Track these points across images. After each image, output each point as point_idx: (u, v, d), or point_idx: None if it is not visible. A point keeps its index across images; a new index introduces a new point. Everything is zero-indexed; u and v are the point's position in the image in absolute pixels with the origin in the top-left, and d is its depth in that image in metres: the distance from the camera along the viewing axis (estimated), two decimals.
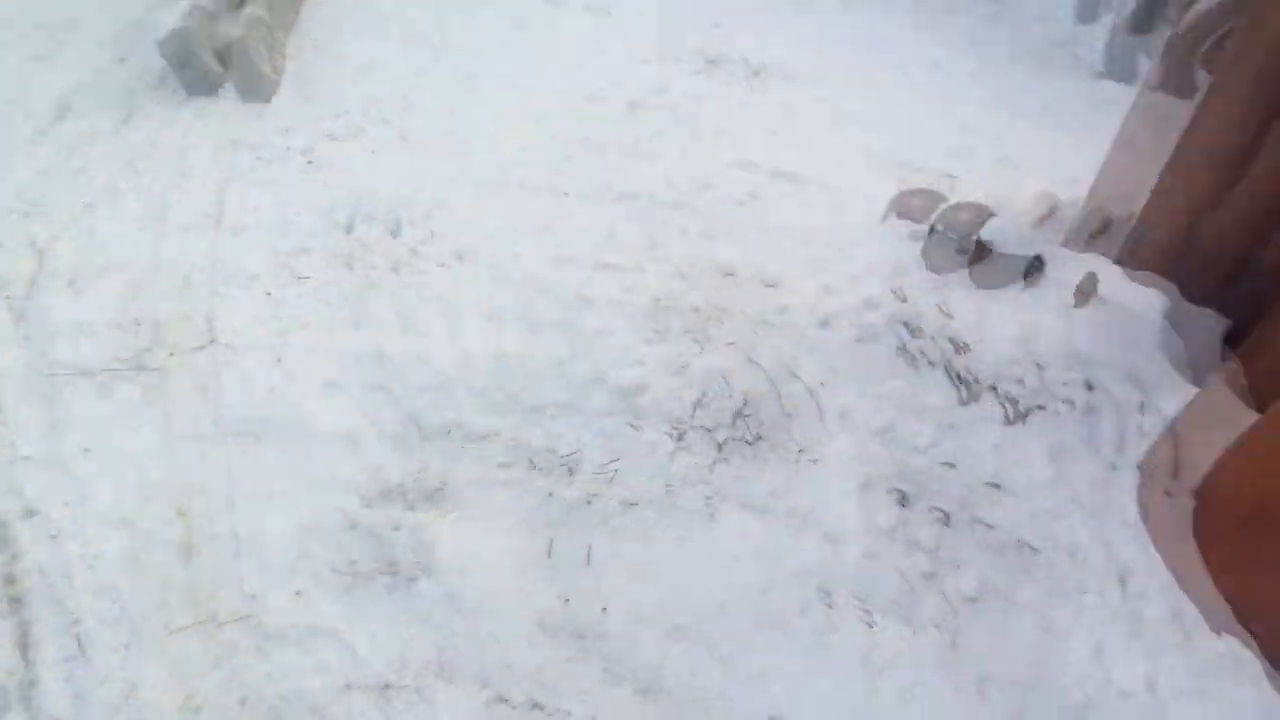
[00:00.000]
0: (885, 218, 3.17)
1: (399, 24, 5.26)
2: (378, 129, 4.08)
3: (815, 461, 2.40)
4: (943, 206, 3.01)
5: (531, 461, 2.47)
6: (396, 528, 2.28)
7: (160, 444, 2.49)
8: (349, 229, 3.35)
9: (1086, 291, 2.57)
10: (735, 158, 3.87)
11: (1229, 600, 1.92)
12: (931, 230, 2.87)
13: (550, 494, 2.36)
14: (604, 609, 2.07)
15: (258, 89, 4.24)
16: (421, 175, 3.68)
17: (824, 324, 2.79)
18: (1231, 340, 2.55)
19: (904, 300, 2.80)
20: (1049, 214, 2.91)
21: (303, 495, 2.35)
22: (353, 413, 2.60)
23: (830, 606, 2.06)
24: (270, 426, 2.54)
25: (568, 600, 2.11)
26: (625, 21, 5.53)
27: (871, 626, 2.00)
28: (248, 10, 4.43)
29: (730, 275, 3.10)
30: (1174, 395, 2.42)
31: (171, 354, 2.79)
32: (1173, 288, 2.64)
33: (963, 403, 2.48)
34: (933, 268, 2.87)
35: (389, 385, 2.67)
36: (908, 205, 3.13)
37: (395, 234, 3.35)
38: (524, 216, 3.45)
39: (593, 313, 2.94)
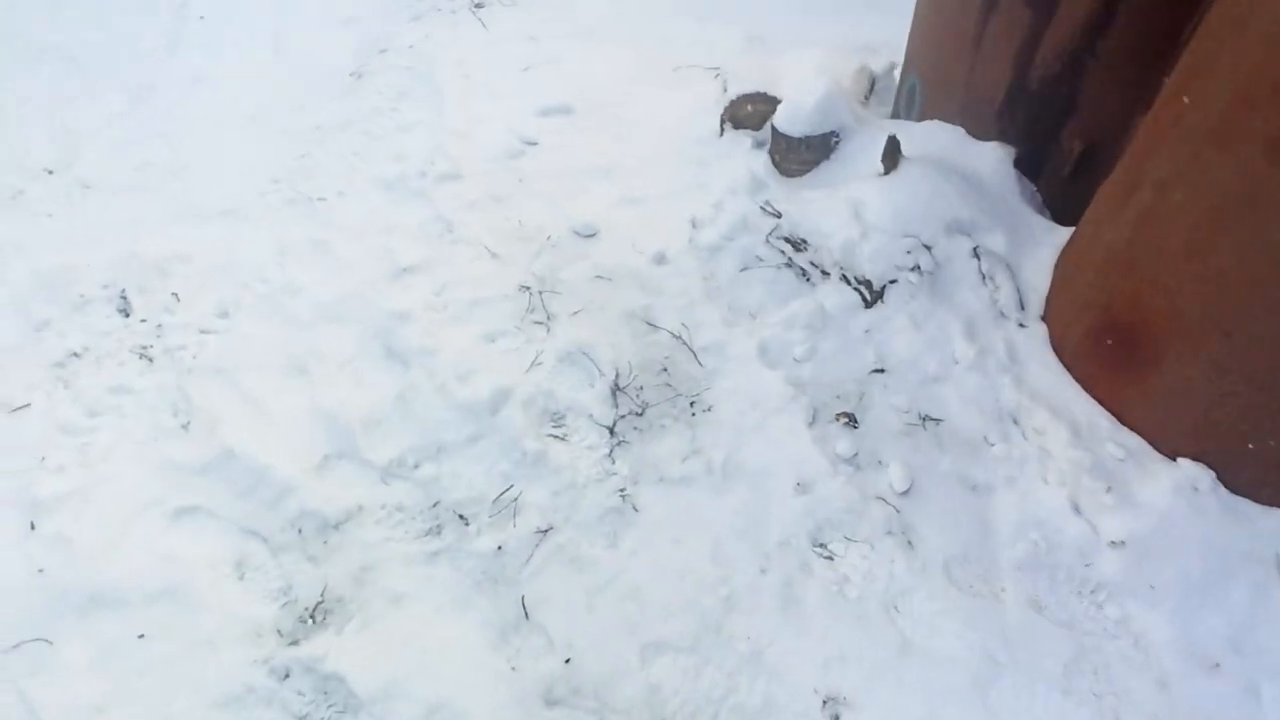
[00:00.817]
0: (722, 131, 3.02)
1: (26, 34, 4.09)
2: (46, 184, 3.17)
3: (710, 409, 2.26)
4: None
5: (417, 527, 2.09)
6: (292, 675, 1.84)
7: None
8: (57, 323, 2.58)
9: (892, 156, 2.59)
10: (511, 106, 3.46)
11: (1110, 411, 2.09)
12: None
13: (452, 558, 2.02)
14: (567, 660, 1.83)
15: None
16: (135, 230, 2.91)
17: (686, 268, 2.61)
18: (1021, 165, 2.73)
19: (770, 212, 2.67)
20: (870, 88, 2.89)
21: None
22: (200, 553, 2.04)
23: (791, 559, 1.97)
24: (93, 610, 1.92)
25: (514, 669, 1.83)
26: None
27: (834, 559, 1.95)
28: None
29: (570, 244, 2.78)
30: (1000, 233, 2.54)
31: None
32: (958, 129, 2.75)
33: (866, 304, 2.42)
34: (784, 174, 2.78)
35: (226, 504, 2.11)
36: (739, 113, 2.99)
37: (127, 312, 2.64)
38: (282, 239, 2.86)
39: (411, 327, 2.52)
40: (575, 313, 2.54)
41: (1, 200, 3.07)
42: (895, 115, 3.10)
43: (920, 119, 2.81)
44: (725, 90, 3.33)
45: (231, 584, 2.00)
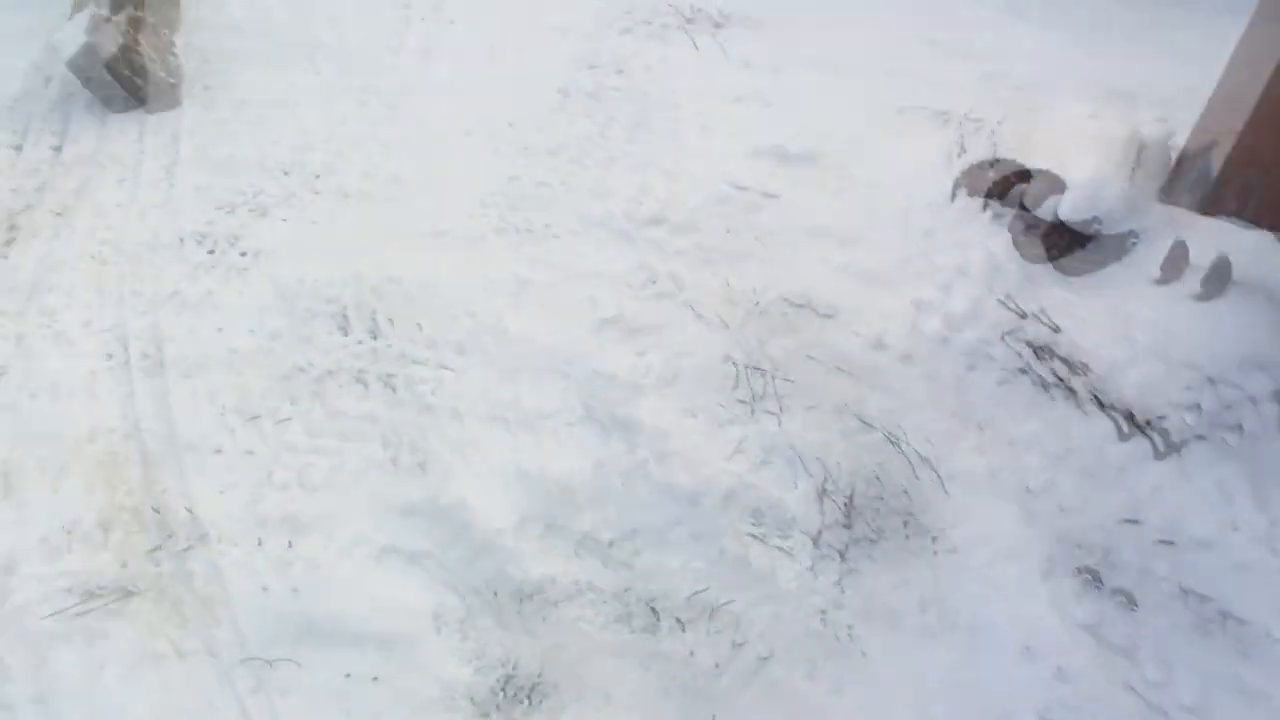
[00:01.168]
0: (954, 197, 2.75)
1: (271, 33, 4.39)
2: (283, 185, 3.38)
3: (954, 551, 2.06)
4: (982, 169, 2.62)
5: (608, 611, 2.06)
6: None
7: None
8: (294, 337, 2.75)
9: (1178, 267, 2.23)
10: (724, 146, 3.33)
11: None
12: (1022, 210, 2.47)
13: (641, 655, 1.97)
14: None
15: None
16: (356, 244, 3.05)
17: (907, 359, 2.40)
18: None
19: (1012, 309, 2.39)
20: (1140, 163, 2.51)
21: None
22: (402, 599, 2.11)
23: None
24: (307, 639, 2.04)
25: None
26: None
27: None
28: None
29: (781, 312, 2.63)
30: None
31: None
32: None
33: (1122, 437, 2.12)
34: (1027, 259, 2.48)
35: (428, 552, 2.18)
36: (978, 180, 2.70)
37: (346, 331, 2.77)
38: (497, 274, 2.89)
39: (612, 389, 2.48)
40: (783, 397, 2.40)
41: (247, 199, 3.31)
42: (1170, 199, 2.68)
43: (1253, 221, 2.33)
44: (960, 145, 3.03)
45: (429, 636, 2.06)
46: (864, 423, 2.31)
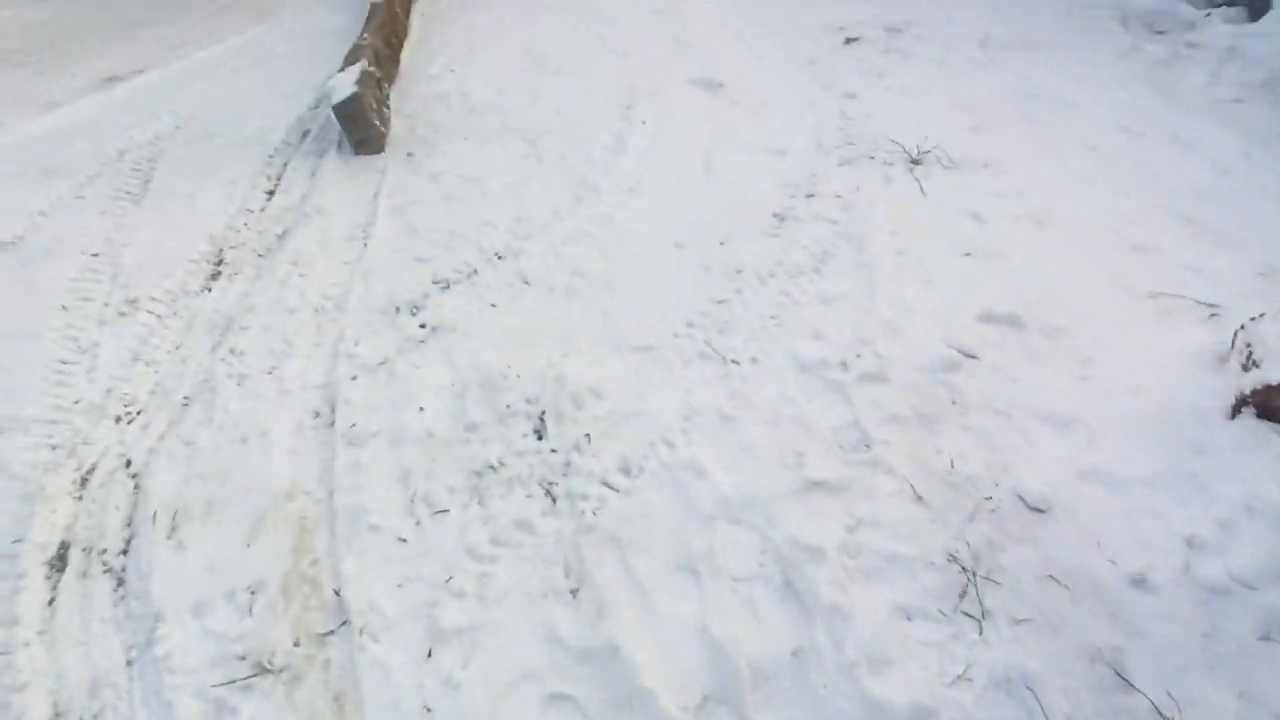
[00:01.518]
0: (1235, 414, 2.42)
1: (477, 110, 4.69)
2: (491, 267, 3.47)
3: None
4: None
5: None
6: None
7: None
8: (483, 429, 2.73)
9: None
10: (949, 303, 3.12)
11: None
12: None
13: None
14: None
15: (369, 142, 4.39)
16: (559, 341, 3.05)
17: (1178, 609, 2.04)
18: None
19: None
20: None
21: None
22: None
23: None
24: None
25: None
26: (744, 98, 4.83)
27: None
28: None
29: (1015, 513, 2.35)
30: None
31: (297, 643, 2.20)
32: None
33: None
34: None
35: (585, 709, 2.02)
36: (1273, 402, 2.35)
37: (542, 434, 2.72)
38: (690, 399, 2.78)
39: (818, 567, 2.25)
40: (1018, 621, 2.08)
41: (460, 278, 3.41)
42: None
43: None
44: (1241, 354, 2.66)
45: None
46: (1124, 681, 1.95)
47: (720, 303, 3.21)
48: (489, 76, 5.28)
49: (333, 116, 4.42)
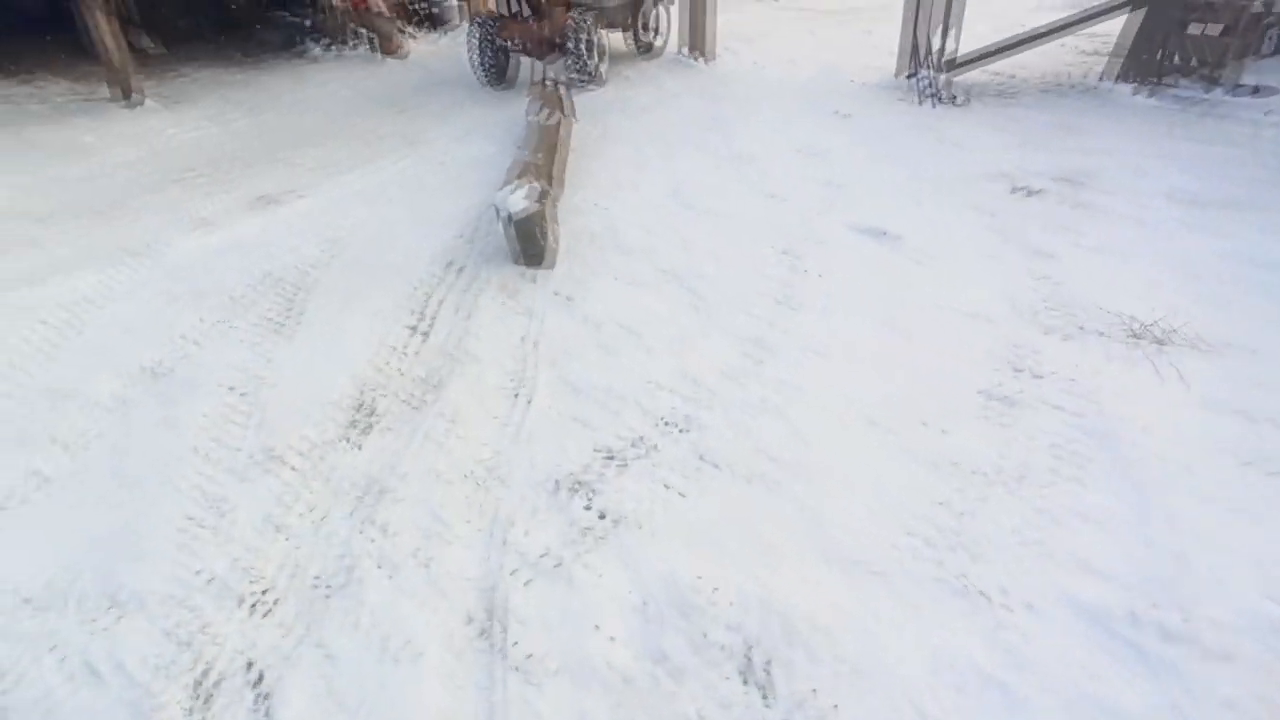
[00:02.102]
0: None
1: (629, 251, 4.43)
2: (667, 439, 3.03)
3: None
4: None
5: None
6: None
7: None
8: (679, 667, 2.18)
9: None
10: (1245, 533, 2.47)
11: None
12: None
13: None
14: None
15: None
16: (754, 544, 2.53)
17: None
18: None
19: None
20: None
21: None
22: None
23: None
24: None
25: None
26: (923, 250, 4.43)
27: None
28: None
29: None
30: None
31: None
32: None
33: None
34: None
35: None
36: None
37: (748, 677, 2.15)
38: (938, 648, 2.18)
39: None
40: None
41: (632, 451, 2.98)
42: None
43: None
44: None
45: None
46: None
47: (939, 504, 2.65)
48: (636, 214, 5.10)
49: (507, 232, 4.41)
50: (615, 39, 9.43)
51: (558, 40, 8.07)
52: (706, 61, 9.26)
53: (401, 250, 4.70)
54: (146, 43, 10.74)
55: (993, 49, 7.34)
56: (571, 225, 4.92)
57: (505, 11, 8.28)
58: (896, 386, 3.27)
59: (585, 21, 7.98)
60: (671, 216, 5.08)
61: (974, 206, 5.00)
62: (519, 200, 4.33)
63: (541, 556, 2.54)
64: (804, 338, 3.63)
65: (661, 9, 9.68)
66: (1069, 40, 8.28)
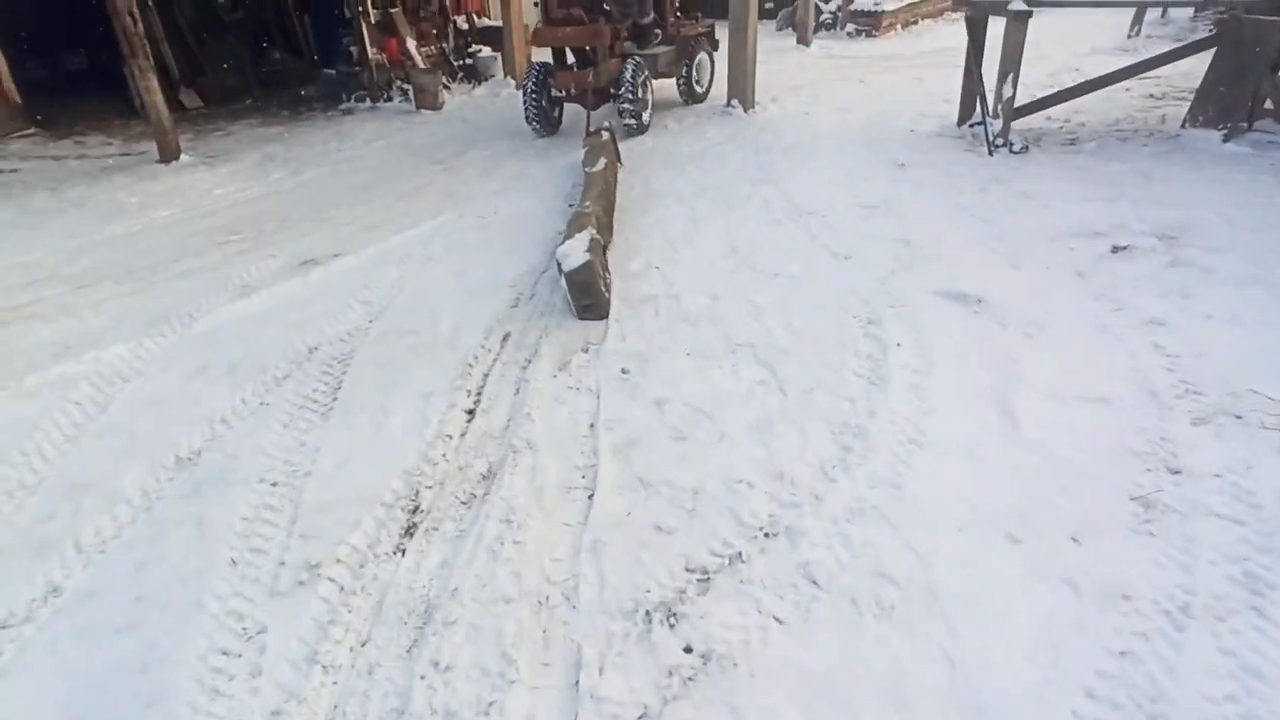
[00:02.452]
0: None
1: (705, 319, 4.06)
2: (760, 552, 2.62)
3: None
4: None
5: None
6: None
7: None
8: None
9: None
10: None
11: None
12: None
13: None
14: None
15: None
16: (883, 699, 2.08)
17: None
18: None
19: None
20: None
21: None
22: None
23: None
24: None
25: None
26: (1014, 318, 4.01)
27: None
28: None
29: None
30: None
31: None
32: None
33: None
34: None
35: None
36: None
37: None
38: None
39: None
40: None
41: (722, 566, 2.57)
42: None
43: None
44: None
45: None
46: None
47: (1121, 655, 2.18)
48: (697, 277, 4.76)
49: (564, 285, 4.28)
50: (658, 87, 9.29)
51: (611, 90, 8.06)
52: (748, 110, 9.03)
53: (449, 318, 4.39)
54: (191, 99, 10.87)
55: (1061, 94, 6.98)
56: (629, 291, 4.60)
57: (557, 62, 8.30)
58: (1027, 491, 2.82)
59: (640, 72, 8.00)
60: (734, 279, 4.73)
61: (1064, 266, 4.58)
62: (576, 252, 4.16)
63: (621, 706, 2.11)
64: (903, 425, 3.21)
65: (706, 57, 9.56)
66: (1131, 83, 7.91)
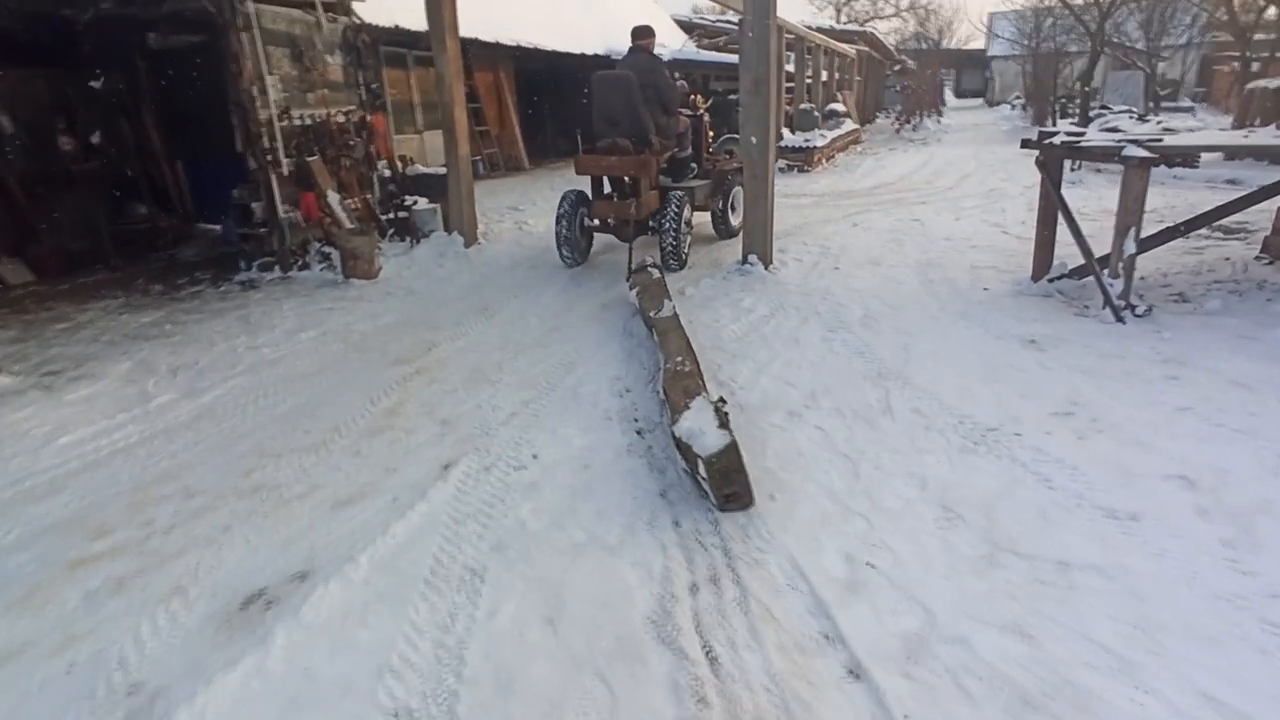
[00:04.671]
0: None
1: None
2: None
3: None
4: None
5: None
6: None
7: None
8: None
9: None
10: None
11: None
12: None
13: None
14: None
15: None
16: None
17: None
18: None
19: None
20: None
21: None
22: None
23: None
24: None
25: None
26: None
27: None
28: None
29: None
30: None
31: None
32: None
33: None
34: None
35: None
36: None
37: None
38: None
39: None
40: None
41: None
42: None
43: None
44: None
45: None
46: None
47: None
48: (947, 592, 2.90)
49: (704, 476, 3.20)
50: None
51: (650, 223, 7.69)
52: (768, 267, 7.63)
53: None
54: (16, 273, 8.14)
55: (1161, 234, 6.00)
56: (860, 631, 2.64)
57: (595, 191, 7.86)
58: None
59: (684, 205, 7.60)
60: (1000, 583, 2.91)
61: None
62: (708, 432, 3.27)
63: None
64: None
65: (739, 188, 8.47)
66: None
